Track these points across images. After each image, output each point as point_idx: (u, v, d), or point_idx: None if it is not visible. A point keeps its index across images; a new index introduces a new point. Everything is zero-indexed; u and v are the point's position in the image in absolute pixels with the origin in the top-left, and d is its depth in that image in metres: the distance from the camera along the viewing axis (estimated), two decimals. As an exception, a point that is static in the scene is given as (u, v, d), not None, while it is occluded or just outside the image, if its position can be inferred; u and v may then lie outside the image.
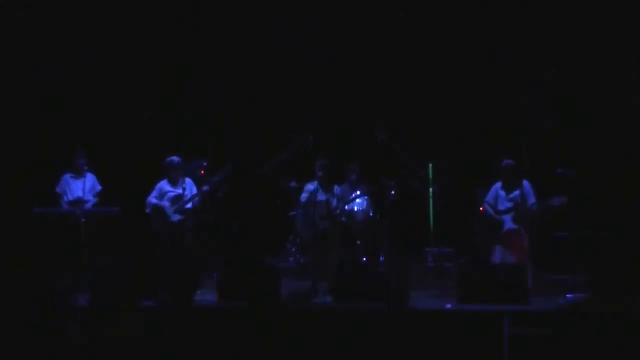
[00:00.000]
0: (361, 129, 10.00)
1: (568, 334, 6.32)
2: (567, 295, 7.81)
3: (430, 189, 9.98)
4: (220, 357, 6.64)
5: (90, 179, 9.28)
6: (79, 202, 9.12)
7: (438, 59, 10.57)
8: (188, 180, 9.08)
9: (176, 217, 8.86)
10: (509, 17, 10.25)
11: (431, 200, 10.03)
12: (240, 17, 10.76)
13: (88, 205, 9.13)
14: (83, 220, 8.87)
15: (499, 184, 8.77)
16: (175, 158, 9.03)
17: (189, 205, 8.94)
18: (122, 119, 10.78)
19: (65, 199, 9.23)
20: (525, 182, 8.58)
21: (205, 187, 8.95)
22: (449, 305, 7.39)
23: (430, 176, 10.06)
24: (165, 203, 8.94)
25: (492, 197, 8.78)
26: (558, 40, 10.14)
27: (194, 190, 9.04)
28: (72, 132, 10.25)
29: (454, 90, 10.58)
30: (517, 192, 8.55)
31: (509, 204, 8.58)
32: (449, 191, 10.01)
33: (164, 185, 9.00)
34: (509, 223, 8.56)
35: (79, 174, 9.24)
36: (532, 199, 8.52)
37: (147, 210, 9.04)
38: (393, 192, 9.73)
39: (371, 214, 9.54)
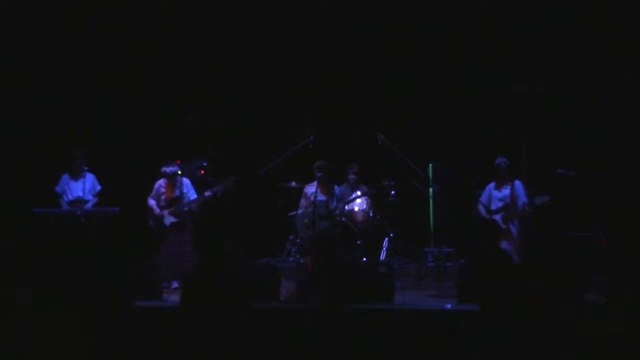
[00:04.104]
0: (361, 129, 10.00)
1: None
2: None
3: (430, 189, 10.00)
4: (219, 357, 6.63)
5: (90, 179, 9.28)
6: (79, 202, 9.13)
7: (438, 59, 10.58)
8: (186, 181, 9.04)
9: (169, 220, 8.82)
10: (509, 16, 10.25)
11: (431, 200, 10.05)
12: (240, 17, 10.75)
13: (88, 205, 9.14)
14: (83, 220, 8.88)
15: (492, 184, 8.83)
16: (168, 169, 8.82)
17: (186, 208, 8.90)
18: (122, 118, 10.79)
19: (65, 199, 9.24)
20: (517, 182, 8.64)
21: (207, 193, 8.87)
22: (449, 306, 7.39)
23: (430, 176, 10.08)
24: (162, 204, 8.89)
25: (486, 198, 8.83)
26: (558, 40, 10.16)
27: (192, 191, 8.99)
28: (72, 132, 10.27)
29: (454, 90, 10.58)
30: (507, 191, 8.60)
31: (501, 204, 8.63)
32: (449, 191, 10.03)
33: (161, 185, 8.98)
34: (499, 223, 8.61)
35: (78, 174, 9.24)
36: (522, 199, 8.57)
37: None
38: (393, 193, 9.75)
39: (371, 214, 9.55)
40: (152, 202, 8.89)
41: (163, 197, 8.89)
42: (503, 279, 6.51)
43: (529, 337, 5.22)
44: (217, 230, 9.94)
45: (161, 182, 8.94)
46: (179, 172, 9.01)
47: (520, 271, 7.64)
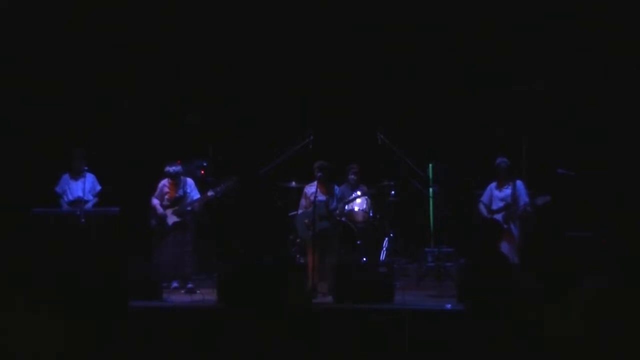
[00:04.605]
0: (361, 129, 10.00)
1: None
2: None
3: (430, 189, 10.00)
4: (219, 357, 6.63)
5: (90, 179, 9.27)
6: (79, 202, 9.12)
7: (438, 59, 10.58)
8: (189, 180, 9.04)
9: (172, 220, 8.81)
10: (509, 16, 10.26)
11: (431, 200, 10.05)
12: (240, 17, 10.76)
13: (88, 206, 9.14)
14: (83, 220, 8.87)
15: (493, 184, 8.82)
16: (171, 169, 8.83)
17: (189, 208, 8.89)
18: (122, 118, 10.80)
19: (65, 199, 9.23)
20: (519, 182, 8.64)
21: (210, 193, 8.87)
22: (448, 306, 7.39)
23: (430, 176, 10.08)
24: (166, 203, 8.88)
25: (487, 197, 8.83)
26: (558, 40, 10.16)
27: (195, 191, 8.98)
28: (72, 132, 10.26)
29: (454, 90, 10.59)
30: (508, 191, 8.60)
31: (502, 204, 8.63)
32: (449, 191, 10.02)
33: (164, 185, 8.97)
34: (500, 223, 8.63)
35: (78, 174, 9.24)
36: (524, 199, 8.57)
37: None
38: (393, 193, 9.75)
39: (371, 214, 9.54)
40: (155, 201, 8.90)
41: (166, 196, 8.89)
42: (497, 279, 6.51)
43: (524, 337, 5.23)
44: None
45: (165, 181, 8.94)
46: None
47: (517, 271, 7.63)
